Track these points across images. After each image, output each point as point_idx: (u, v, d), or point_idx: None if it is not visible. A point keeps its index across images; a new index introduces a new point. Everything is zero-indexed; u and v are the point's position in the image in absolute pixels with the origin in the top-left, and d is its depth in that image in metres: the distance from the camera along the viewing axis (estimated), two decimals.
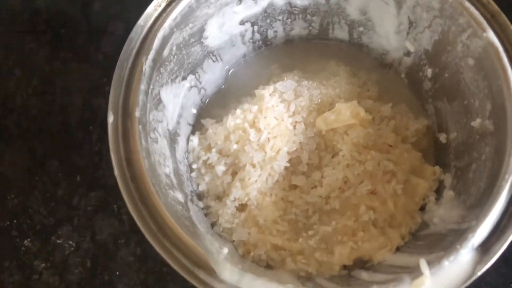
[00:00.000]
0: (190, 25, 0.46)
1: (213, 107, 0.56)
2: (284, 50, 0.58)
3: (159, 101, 0.45)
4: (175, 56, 0.46)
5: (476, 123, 0.43)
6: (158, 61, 0.43)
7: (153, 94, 0.43)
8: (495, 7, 0.42)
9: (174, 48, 0.45)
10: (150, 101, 0.42)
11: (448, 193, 0.45)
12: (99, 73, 0.65)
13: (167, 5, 0.44)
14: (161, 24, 0.42)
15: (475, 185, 0.41)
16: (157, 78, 0.43)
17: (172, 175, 0.44)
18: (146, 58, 0.41)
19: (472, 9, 0.42)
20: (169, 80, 0.46)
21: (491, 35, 0.41)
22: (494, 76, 0.41)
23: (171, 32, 0.44)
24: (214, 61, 0.54)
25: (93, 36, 0.68)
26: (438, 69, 0.49)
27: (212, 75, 0.54)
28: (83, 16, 0.69)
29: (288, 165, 0.49)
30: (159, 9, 0.43)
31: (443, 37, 0.46)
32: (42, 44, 0.68)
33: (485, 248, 0.36)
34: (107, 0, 0.70)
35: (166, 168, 0.43)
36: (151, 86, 0.42)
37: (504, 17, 0.42)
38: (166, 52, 0.44)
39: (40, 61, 0.67)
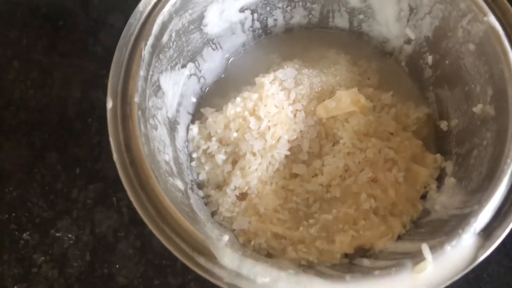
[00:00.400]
0: (190, 11, 0.46)
1: (213, 96, 0.56)
2: (284, 39, 0.58)
3: (158, 87, 0.44)
4: (175, 43, 0.46)
5: (477, 108, 0.43)
6: (157, 47, 0.42)
7: (152, 81, 0.42)
8: None
9: (174, 34, 0.45)
10: (149, 88, 0.41)
11: (450, 180, 0.45)
12: (98, 66, 0.64)
13: None
14: (160, 9, 0.42)
15: (477, 170, 0.41)
16: (156, 64, 0.43)
17: (172, 163, 0.44)
18: (145, 44, 0.41)
19: None
20: (169, 67, 0.46)
21: (492, 19, 0.41)
22: (495, 60, 0.40)
23: (170, 18, 0.43)
24: (213, 49, 0.53)
25: (92, 28, 0.67)
26: (439, 56, 0.49)
27: (211, 64, 0.54)
28: (82, 8, 0.69)
29: (288, 153, 0.48)
30: None
31: (443, 23, 0.46)
32: (41, 37, 0.67)
33: (487, 233, 0.36)
34: None
35: (166, 156, 0.43)
36: (150, 72, 0.42)
37: (504, 1, 0.42)
38: (165, 38, 0.43)
39: (38, 53, 0.66)
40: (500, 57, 0.40)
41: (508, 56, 0.39)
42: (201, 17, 0.48)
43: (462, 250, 0.35)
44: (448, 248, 0.35)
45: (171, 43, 0.45)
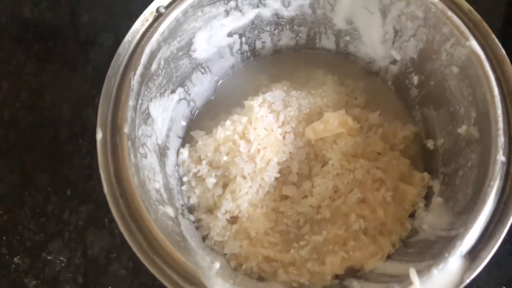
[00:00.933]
0: (178, 38, 0.46)
1: (203, 119, 0.56)
2: (272, 60, 0.59)
3: (148, 115, 0.45)
4: (163, 70, 0.46)
5: (462, 129, 0.44)
6: (146, 76, 0.43)
7: (141, 109, 0.43)
8: (477, 16, 0.43)
9: (162, 62, 0.45)
10: (138, 117, 0.42)
11: (437, 200, 0.45)
12: (88, 85, 0.64)
13: (154, 20, 0.44)
14: (149, 39, 0.42)
15: (463, 191, 0.41)
16: (146, 93, 0.43)
17: (162, 190, 0.44)
18: (134, 74, 0.41)
19: (455, 18, 0.43)
20: (158, 94, 0.46)
21: (474, 43, 0.42)
22: (477, 83, 0.41)
23: (158, 47, 0.44)
24: (202, 73, 0.54)
25: (81, 48, 0.67)
26: (424, 76, 0.49)
27: (201, 87, 0.55)
28: (72, 27, 0.69)
29: (278, 175, 0.49)
30: (146, 24, 0.43)
31: (428, 46, 0.47)
32: (30, 57, 0.67)
33: (473, 255, 0.36)
34: (95, 11, 0.70)
35: (156, 183, 0.43)
36: (140, 101, 0.42)
37: (485, 26, 0.43)
38: (154, 66, 0.44)
39: (28, 74, 0.66)
40: (482, 80, 0.41)
41: (490, 80, 0.40)
42: (189, 43, 0.48)
43: (449, 273, 0.36)
44: (435, 272, 0.36)
45: (160, 71, 0.45)
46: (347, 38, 0.54)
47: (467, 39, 0.42)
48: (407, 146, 0.52)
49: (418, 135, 0.53)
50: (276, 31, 0.55)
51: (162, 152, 0.48)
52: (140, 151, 0.41)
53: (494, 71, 0.41)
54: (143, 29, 0.43)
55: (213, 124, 0.53)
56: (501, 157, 0.38)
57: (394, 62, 0.53)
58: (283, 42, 0.57)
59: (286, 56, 0.58)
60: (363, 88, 0.56)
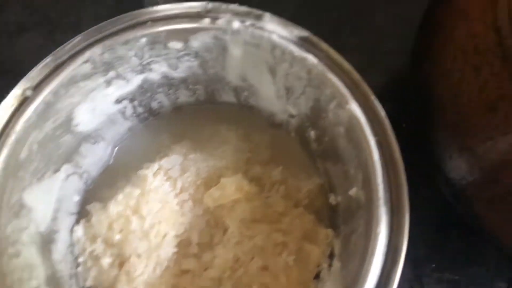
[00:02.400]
0: (52, 119, 0.43)
1: (100, 188, 0.52)
2: (173, 117, 0.55)
3: (21, 207, 0.42)
4: (38, 154, 0.43)
5: (353, 191, 0.42)
6: (13, 167, 0.40)
7: (10, 203, 0.40)
8: (356, 75, 0.42)
9: (35, 146, 0.42)
10: (6, 213, 0.39)
11: (337, 264, 0.44)
12: None
13: (20, 105, 0.41)
14: (11, 129, 0.40)
15: (353, 261, 0.40)
16: (14, 184, 0.40)
17: (42, 287, 0.41)
18: None
19: (335, 80, 0.41)
20: (34, 180, 0.43)
21: (354, 107, 0.40)
22: (360, 147, 0.40)
23: (27, 134, 0.41)
24: (93, 143, 0.50)
25: None
26: (319, 132, 0.48)
27: (94, 157, 0.51)
28: None
29: (176, 250, 0.47)
30: (11, 110, 0.40)
31: (316, 104, 0.46)
32: None
33: None
34: None
35: (33, 282, 0.40)
36: (7, 195, 0.39)
37: (365, 86, 0.41)
38: (24, 154, 0.41)
39: None
40: (364, 145, 0.40)
41: (370, 145, 0.39)
42: (69, 119, 0.45)
43: None
44: None
45: (33, 156, 0.42)
46: (246, 93, 0.52)
47: (347, 102, 0.41)
48: (312, 200, 0.51)
49: (323, 187, 0.52)
50: (171, 90, 0.52)
51: (46, 239, 0.45)
52: (9, 252, 0.38)
53: (376, 135, 0.40)
54: (7, 117, 0.40)
55: (112, 194, 0.50)
56: (381, 230, 0.37)
57: (292, 116, 0.51)
58: (181, 99, 0.55)
59: (187, 113, 0.56)
60: (268, 141, 0.54)
